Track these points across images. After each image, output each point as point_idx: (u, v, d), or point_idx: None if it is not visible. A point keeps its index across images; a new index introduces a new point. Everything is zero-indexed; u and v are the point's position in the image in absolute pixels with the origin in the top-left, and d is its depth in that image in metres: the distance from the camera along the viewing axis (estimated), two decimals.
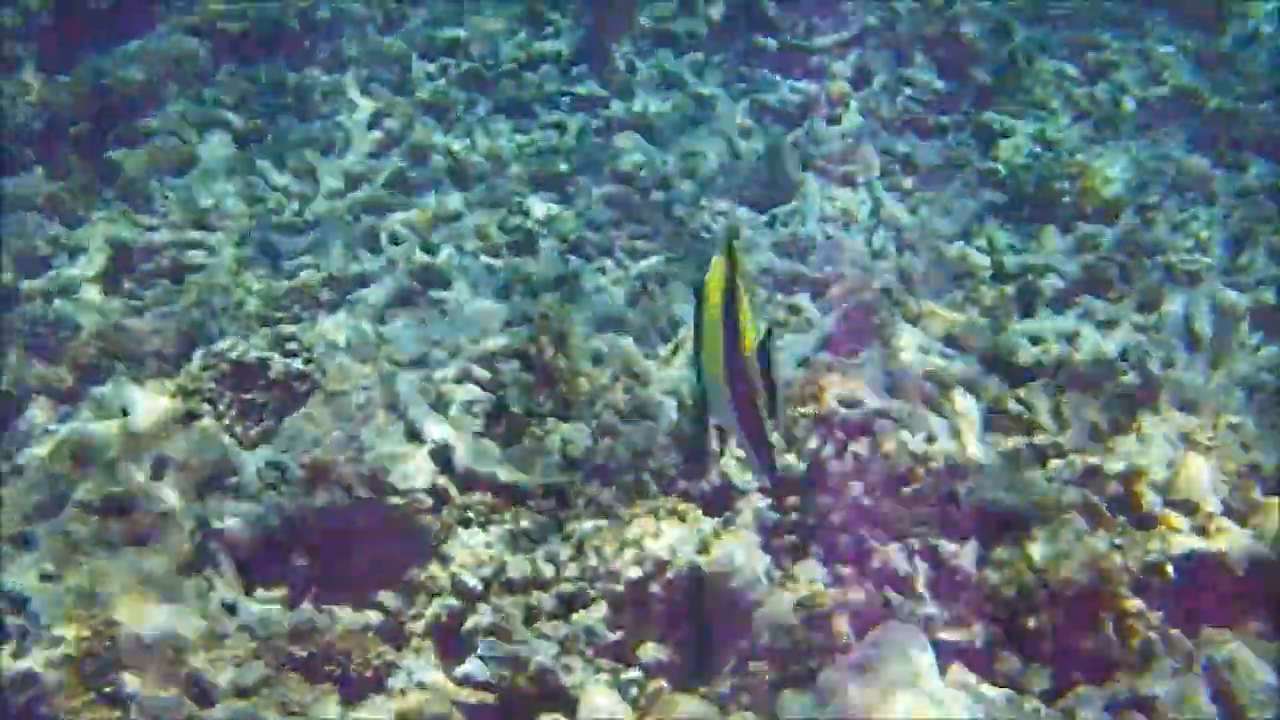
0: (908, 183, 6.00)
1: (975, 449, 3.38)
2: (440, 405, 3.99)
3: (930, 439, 3.39)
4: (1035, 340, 4.42)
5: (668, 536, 3.23)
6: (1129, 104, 6.46)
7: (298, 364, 3.97)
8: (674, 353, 4.29)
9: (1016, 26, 6.74)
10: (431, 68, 6.74)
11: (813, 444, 3.40)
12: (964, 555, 3.20)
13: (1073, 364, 4.01)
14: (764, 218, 5.75)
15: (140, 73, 6.44)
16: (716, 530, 3.27)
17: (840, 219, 5.73)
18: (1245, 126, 6.24)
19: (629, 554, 3.19)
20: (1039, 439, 3.54)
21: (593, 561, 3.26)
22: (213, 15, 6.85)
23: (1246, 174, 6.00)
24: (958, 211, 5.67)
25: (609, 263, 5.36)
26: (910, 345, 4.00)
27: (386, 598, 3.53)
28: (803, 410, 3.44)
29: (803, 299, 4.95)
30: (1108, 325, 4.60)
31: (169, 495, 3.51)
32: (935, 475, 3.28)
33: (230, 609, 3.32)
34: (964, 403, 3.61)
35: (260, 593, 3.48)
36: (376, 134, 6.19)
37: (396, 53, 6.84)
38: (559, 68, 6.85)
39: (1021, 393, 3.71)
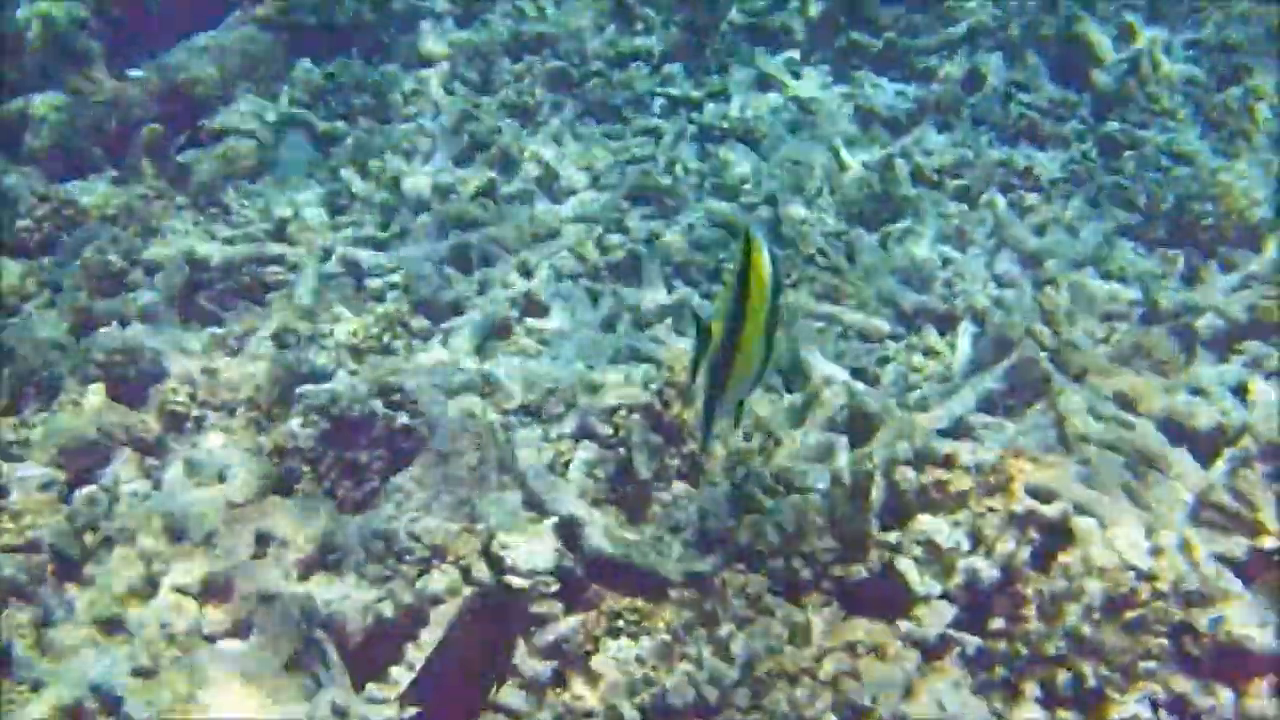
0: (1030, 199, 5.54)
1: (1208, 566, 2.94)
2: (558, 465, 3.60)
3: (1157, 550, 2.95)
4: (1198, 393, 3.99)
5: (870, 673, 2.81)
6: (1264, 112, 5.97)
7: (404, 418, 3.58)
8: (807, 408, 3.87)
9: (1140, 26, 6.25)
10: (517, 66, 6.31)
11: (1006, 546, 2.98)
12: (1222, 707, 2.77)
13: (1256, 431, 3.56)
14: (874, 237, 5.31)
15: (212, 69, 6.05)
16: (921, 668, 2.86)
17: (957, 238, 5.29)
18: None
19: (822, 700, 2.76)
20: (1266, 543, 3.09)
21: (778, 699, 2.84)
22: (286, 6, 6.44)
23: None
24: (1088, 233, 5.21)
25: (716, 287, 4.93)
26: (1080, 408, 3.57)
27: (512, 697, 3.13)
28: (990, 504, 3.03)
29: (933, 336, 4.52)
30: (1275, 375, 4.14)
31: (272, 576, 3.13)
32: (1163, 597, 2.85)
33: (341, 714, 2.92)
34: (1169, 492, 3.18)
35: (371, 689, 3.08)
36: (462, 138, 5.77)
37: (479, 49, 6.42)
38: (650, 66, 6.42)
39: (1231, 477, 3.25)
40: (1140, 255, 5.18)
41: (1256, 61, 6.20)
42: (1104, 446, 3.43)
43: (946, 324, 4.66)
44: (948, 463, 3.16)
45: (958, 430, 3.67)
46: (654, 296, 4.78)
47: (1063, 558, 2.93)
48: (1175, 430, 3.67)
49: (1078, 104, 6.09)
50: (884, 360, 4.27)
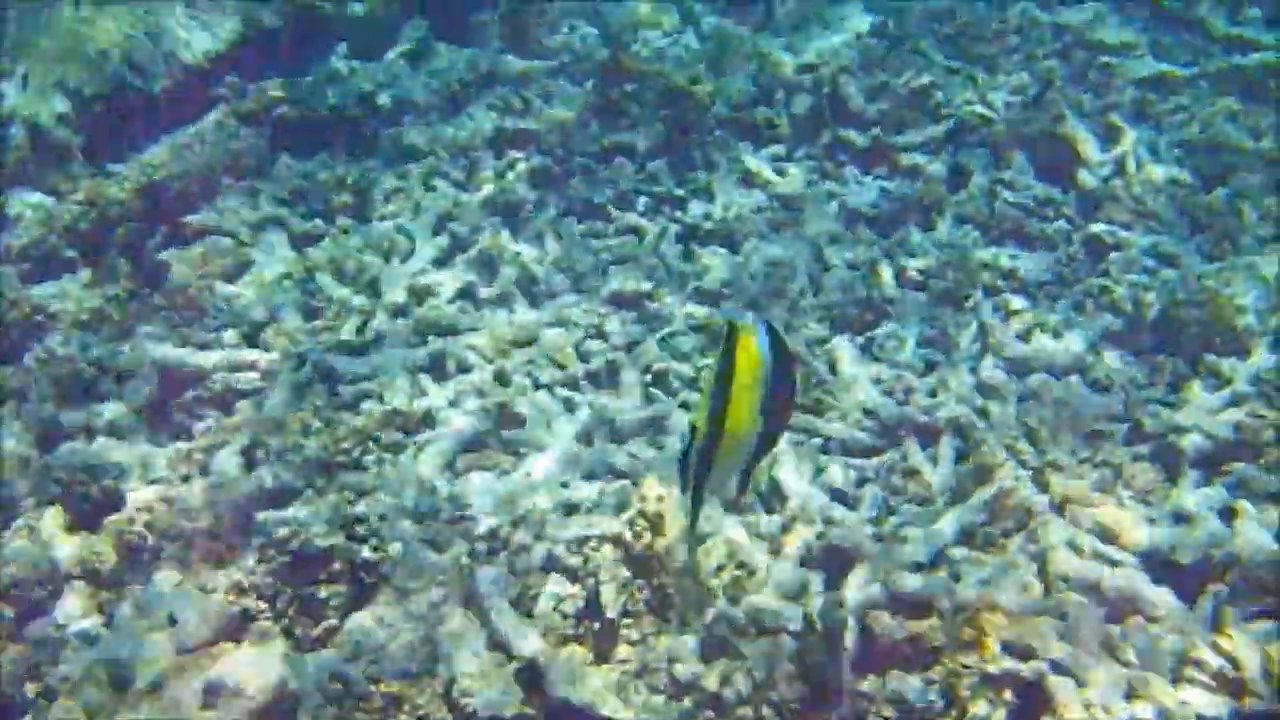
0: (1015, 302, 5.45)
1: None
2: (525, 598, 3.48)
3: None
4: (1183, 518, 3.87)
5: None
6: (1250, 214, 5.90)
7: (365, 552, 3.46)
8: (785, 531, 3.75)
9: (1125, 128, 6.20)
10: (499, 163, 6.25)
11: (980, 709, 2.86)
12: None
13: (1243, 563, 3.44)
14: (858, 342, 5.22)
15: (192, 165, 5.99)
16: None
17: (942, 343, 5.19)
18: None
19: None
20: (1251, 705, 2.97)
21: None
22: (269, 102, 6.39)
23: None
24: (1072, 340, 5.12)
25: (694, 396, 4.83)
26: (1059, 542, 3.46)
27: None
28: (964, 661, 2.91)
29: (914, 451, 4.40)
30: (1269, 500, 4.03)
31: None
32: None
33: None
34: (1151, 644, 3.05)
35: None
36: (441, 239, 5.69)
37: (462, 145, 6.36)
38: (635, 163, 6.36)
39: (1215, 618, 3.13)
40: (1127, 363, 5.08)
41: (1243, 161, 6.15)
42: (1085, 588, 3.31)
43: (929, 437, 4.56)
44: (923, 609, 3.04)
45: (936, 562, 3.55)
46: (633, 407, 4.67)
47: None
48: (1158, 563, 3.56)
49: (1063, 203, 6.02)
50: (862, 481, 4.15)
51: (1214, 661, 3.01)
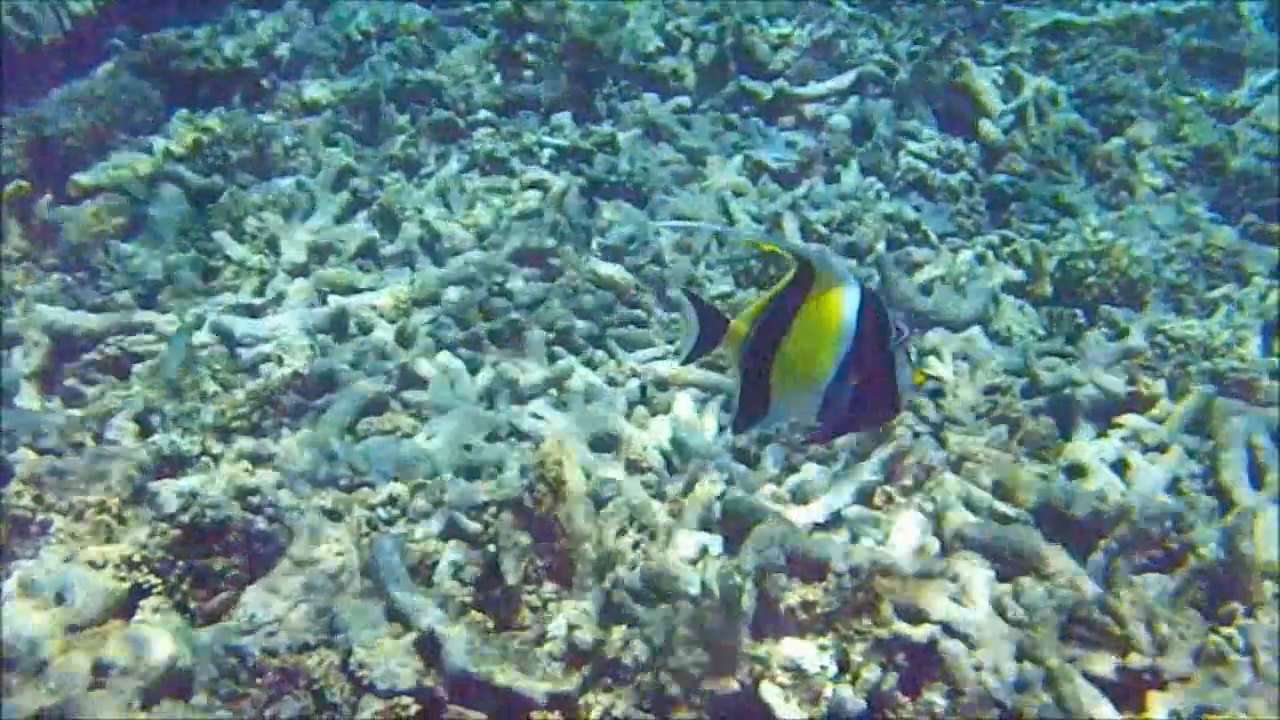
0: (918, 255, 5.45)
1: (1072, 697, 2.84)
2: (425, 565, 3.44)
3: (1023, 686, 2.84)
4: (1078, 471, 3.92)
5: None
6: (1147, 164, 5.95)
7: (260, 523, 3.39)
8: (686, 492, 3.73)
9: (1026, 78, 6.21)
10: (402, 118, 6.13)
11: (871, 675, 2.86)
12: None
13: (1133, 517, 3.48)
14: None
15: (83, 120, 5.80)
16: None
17: None
18: (1272, 192, 5.73)
19: None
20: (1135, 662, 3.00)
21: None
22: (164, 53, 6.21)
23: (1276, 247, 5.50)
24: (974, 292, 5.13)
25: (599, 354, 4.78)
26: (955, 500, 3.47)
27: None
28: (857, 626, 2.91)
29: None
30: (1159, 451, 4.08)
31: (109, 709, 2.92)
32: None
33: None
34: (1042, 603, 3.07)
35: None
36: (343, 195, 5.57)
37: (363, 98, 6.22)
38: (538, 116, 6.27)
39: (1108, 594, 3.15)
40: (1025, 314, 5.11)
41: (1139, 111, 6.19)
42: (981, 546, 3.33)
43: None
44: (820, 572, 3.04)
45: (835, 524, 3.55)
46: (536, 368, 4.62)
47: (926, 694, 2.82)
48: (1053, 518, 3.58)
49: (965, 155, 6.02)
50: (765, 441, 4.13)
51: (1101, 619, 3.04)
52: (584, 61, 6.32)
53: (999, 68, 6.32)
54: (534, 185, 5.79)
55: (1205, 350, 4.66)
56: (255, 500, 3.41)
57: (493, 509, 3.48)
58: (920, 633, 2.89)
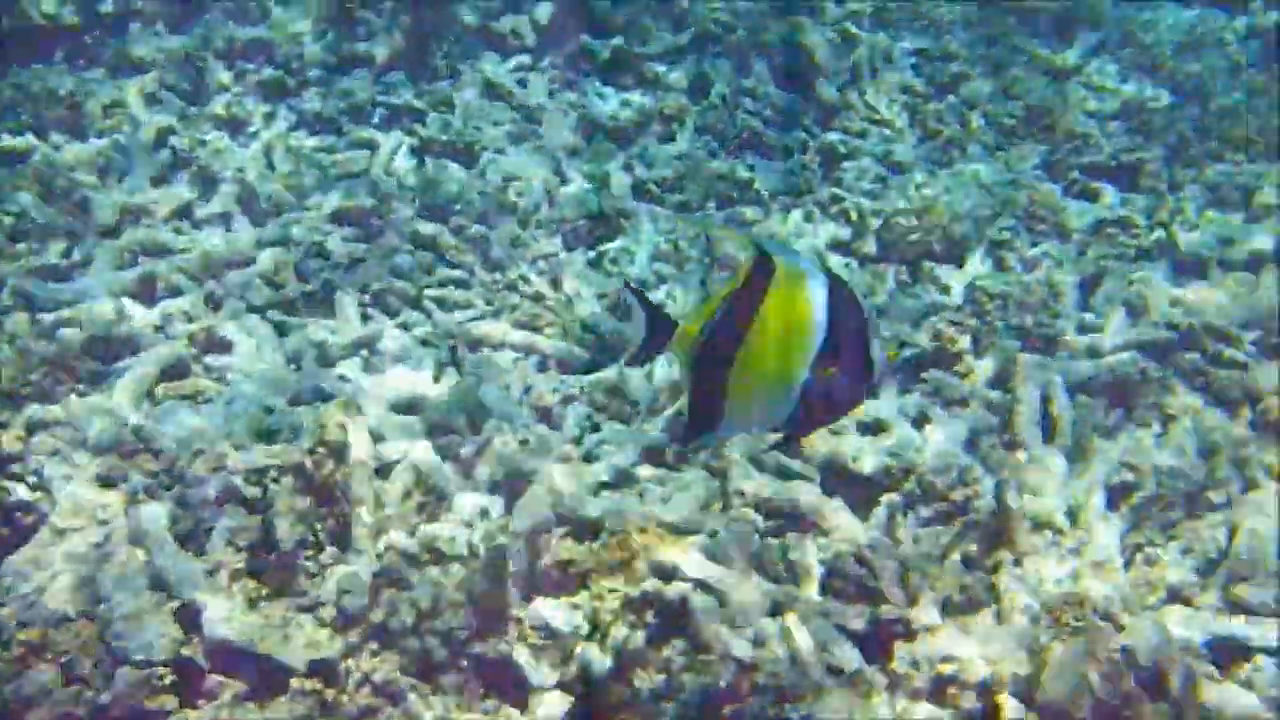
0: (749, 212, 5.42)
1: (808, 652, 2.81)
2: (201, 534, 3.33)
3: (759, 640, 2.82)
4: (879, 427, 3.91)
5: None
6: (977, 121, 5.97)
7: (21, 491, 3.26)
8: (480, 453, 3.65)
9: (861, 36, 6.18)
10: (227, 76, 5.95)
11: (620, 633, 2.82)
12: None
13: (920, 472, 3.48)
14: (590, 255, 5.14)
15: None
16: None
17: (673, 258, 5.14)
18: (1098, 150, 5.78)
19: None
20: (886, 612, 2.98)
21: None
22: None
23: (1098, 204, 5.55)
24: (801, 250, 5.10)
25: (415, 315, 4.68)
26: (739, 458, 3.43)
27: None
28: (610, 584, 2.86)
29: (628, 373, 4.33)
30: (958, 405, 4.09)
31: None
32: (764, 694, 2.72)
33: None
34: (807, 556, 3.05)
35: None
36: (162, 155, 5.39)
37: (189, 55, 6.02)
38: (372, 74, 6.12)
39: (867, 548, 3.13)
40: (852, 271, 5.10)
41: (973, 69, 6.20)
42: (760, 502, 3.30)
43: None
44: (594, 532, 2.99)
45: (625, 484, 3.50)
46: (346, 330, 4.51)
47: (664, 650, 2.79)
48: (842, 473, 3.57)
49: (802, 114, 5.99)
50: (568, 400, 4.07)
51: (855, 570, 3.02)
52: (419, 20, 6.18)
53: (835, 26, 6.27)
54: (361, 145, 5.67)
55: (1020, 306, 4.68)
56: (16, 468, 3.27)
57: (272, 473, 3.37)
58: (673, 590, 2.86)
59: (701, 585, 2.90)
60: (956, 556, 3.11)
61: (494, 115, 5.92)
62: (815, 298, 2.06)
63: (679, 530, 3.09)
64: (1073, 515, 3.56)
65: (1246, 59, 6.62)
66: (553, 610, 2.82)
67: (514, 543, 2.98)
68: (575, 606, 2.85)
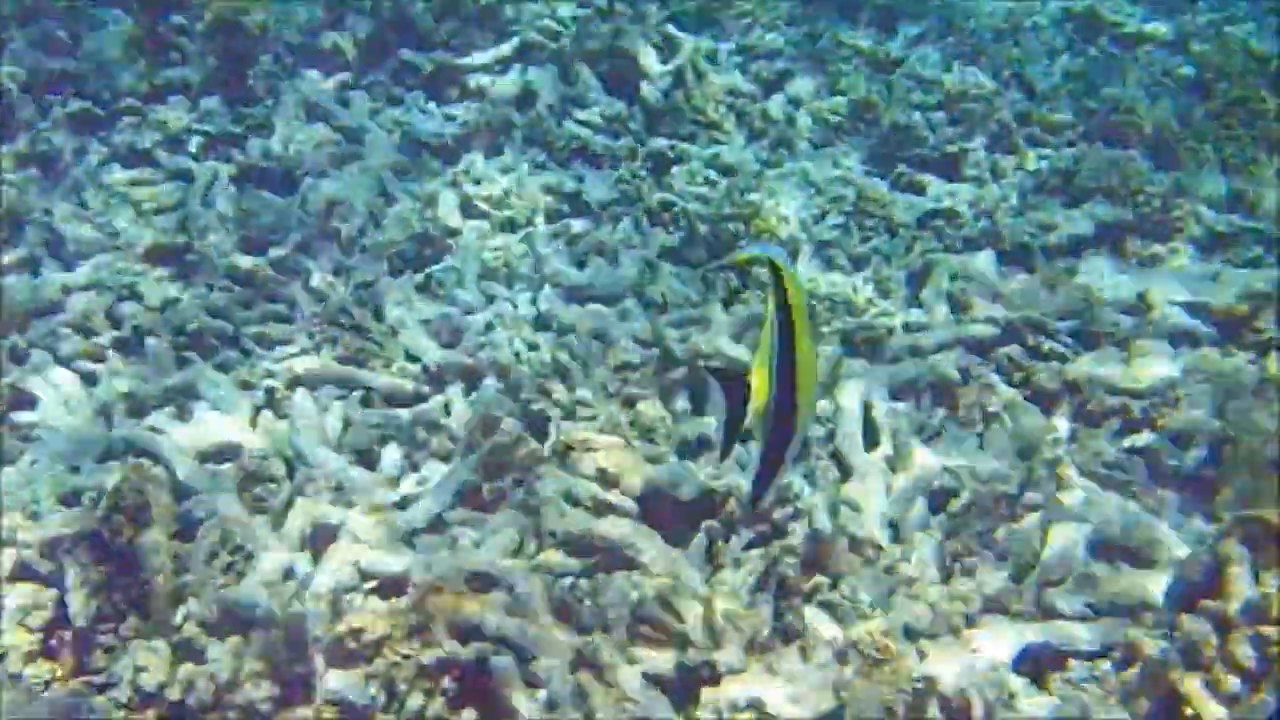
0: (576, 225, 5.33)
1: (610, 707, 2.73)
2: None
3: (552, 702, 2.73)
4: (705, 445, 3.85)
5: None
6: (804, 120, 5.95)
7: None
8: (287, 508, 3.52)
9: (683, 39, 6.12)
10: (28, 111, 5.68)
11: (414, 703, 2.72)
12: None
13: (739, 494, 3.43)
14: (418, 278, 5.01)
15: None
16: None
17: (500, 276, 5.04)
18: (922, 142, 5.79)
19: None
20: (690, 657, 2.89)
21: None
22: None
23: (924, 196, 5.56)
24: (628, 262, 5.03)
25: (233, 354, 4.52)
26: (555, 496, 3.34)
27: None
28: (406, 650, 2.75)
29: (455, 399, 4.22)
30: None
31: None
32: None
33: None
34: (618, 600, 2.96)
35: None
36: None
37: None
38: (188, 100, 5.90)
39: (669, 589, 3.05)
40: (682, 282, 5.03)
41: (796, 66, 6.18)
42: (573, 540, 3.22)
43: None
44: (395, 588, 2.88)
45: (437, 528, 3.39)
46: (158, 375, 4.33)
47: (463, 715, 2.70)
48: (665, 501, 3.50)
49: (628, 119, 5.91)
50: (386, 440, 3.95)
51: (660, 614, 2.95)
52: (232, 40, 5.98)
53: (658, 28, 6.19)
54: (177, 176, 5.47)
55: (848, 308, 4.68)
56: None
57: (66, 544, 3.21)
58: (471, 651, 2.76)
59: (502, 642, 2.82)
60: (769, 591, 3.05)
61: (315, 137, 5.74)
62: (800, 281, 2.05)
63: (487, 578, 2.99)
64: (894, 528, 3.54)
65: (1064, 42, 6.71)
66: (347, 682, 2.71)
67: (315, 605, 2.86)
68: (371, 676, 2.74)
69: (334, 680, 2.71)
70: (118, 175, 5.44)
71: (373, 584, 3.08)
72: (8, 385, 4.23)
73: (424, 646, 2.75)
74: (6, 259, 4.90)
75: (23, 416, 4.16)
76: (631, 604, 2.94)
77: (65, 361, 4.39)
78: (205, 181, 5.36)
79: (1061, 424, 4.07)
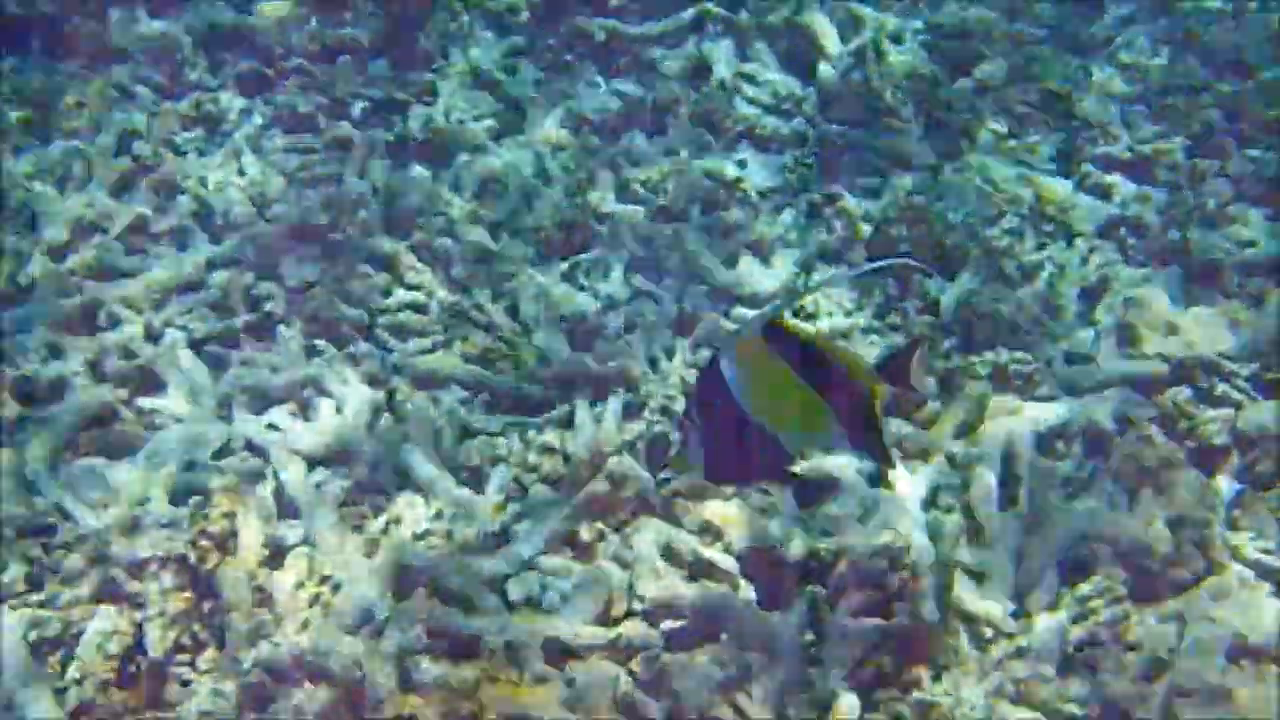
0: (732, 215, 5.00)
1: None
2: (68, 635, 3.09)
3: None
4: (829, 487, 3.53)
5: None
6: (990, 108, 5.47)
7: None
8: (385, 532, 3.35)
9: (866, 14, 5.67)
10: (199, 70, 5.62)
11: None
12: None
13: (855, 556, 3.11)
14: (563, 267, 4.78)
15: None
16: None
17: (650, 272, 4.77)
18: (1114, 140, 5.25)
19: None
20: None
21: None
22: None
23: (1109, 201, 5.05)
24: (783, 261, 4.71)
25: (365, 346, 4.38)
26: (652, 550, 3.09)
27: None
28: None
29: (583, 410, 3.97)
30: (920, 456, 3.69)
31: None
32: None
33: None
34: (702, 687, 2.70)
35: None
36: (122, 161, 5.11)
37: (167, 45, 5.70)
38: (356, 63, 5.75)
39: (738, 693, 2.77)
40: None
41: (990, 47, 5.68)
42: (663, 605, 2.97)
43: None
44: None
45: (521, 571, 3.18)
46: (288, 367, 4.22)
47: None
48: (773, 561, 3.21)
49: (803, 100, 5.53)
50: (498, 460, 3.75)
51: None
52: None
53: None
54: (337, 144, 5.34)
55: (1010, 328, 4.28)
56: None
57: (153, 567, 3.12)
58: None
59: None
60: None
61: (478, 107, 5.54)
62: None
63: (567, 650, 2.77)
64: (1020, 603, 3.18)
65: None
66: None
67: (380, 668, 2.69)
68: None
69: None
70: (277, 142, 5.33)
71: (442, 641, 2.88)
72: (137, 368, 4.17)
73: None
74: (158, 227, 4.84)
75: (149, 402, 4.09)
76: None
77: (197, 345, 4.30)
78: (363, 154, 5.21)
79: (1224, 484, 3.60)
